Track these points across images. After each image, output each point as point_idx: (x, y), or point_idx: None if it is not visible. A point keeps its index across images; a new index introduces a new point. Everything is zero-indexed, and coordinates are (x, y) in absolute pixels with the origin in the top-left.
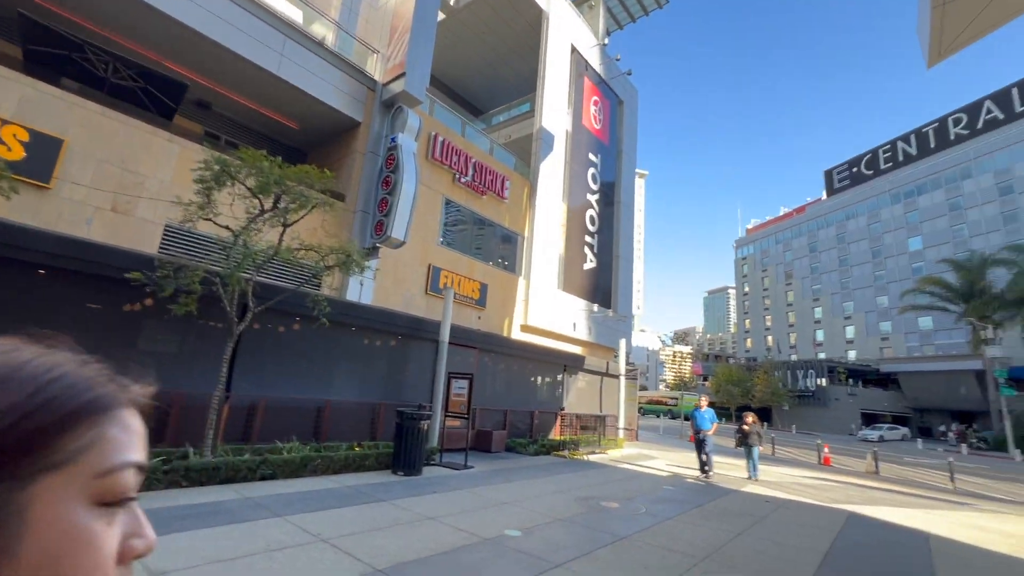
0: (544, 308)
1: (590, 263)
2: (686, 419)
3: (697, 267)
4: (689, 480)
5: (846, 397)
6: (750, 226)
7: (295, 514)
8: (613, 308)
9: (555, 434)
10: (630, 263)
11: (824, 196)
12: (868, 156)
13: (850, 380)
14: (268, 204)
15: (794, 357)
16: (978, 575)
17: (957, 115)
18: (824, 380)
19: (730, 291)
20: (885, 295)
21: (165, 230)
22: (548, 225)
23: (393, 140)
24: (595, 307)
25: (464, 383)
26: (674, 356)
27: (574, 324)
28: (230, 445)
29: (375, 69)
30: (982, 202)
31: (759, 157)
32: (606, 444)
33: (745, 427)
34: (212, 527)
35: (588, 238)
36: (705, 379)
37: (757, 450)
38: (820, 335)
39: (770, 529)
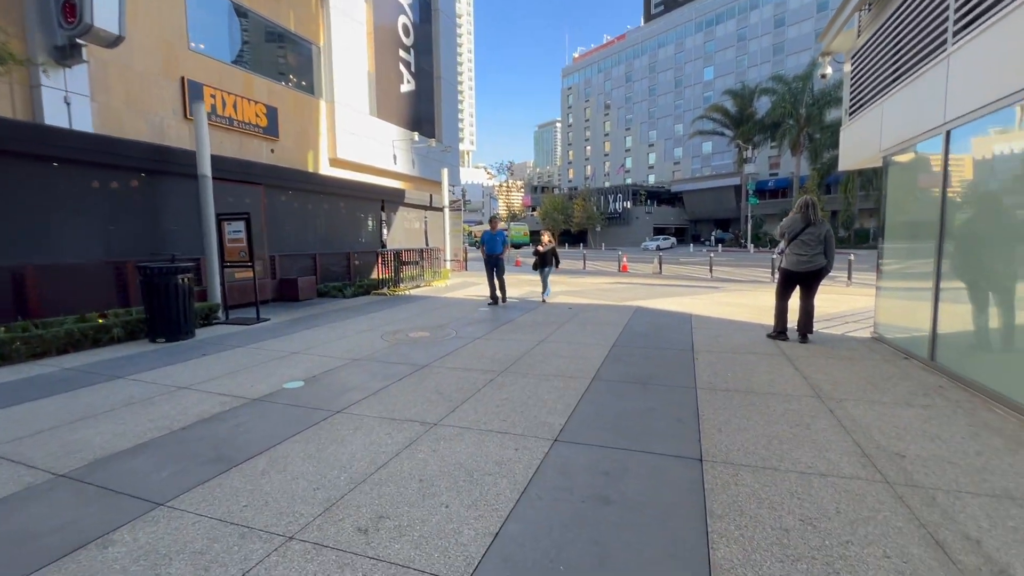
0: (356, 138)
1: (408, 85)
2: (473, 244)
3: (529, 100)
4: (503, 302)
5: (644, 215)
6: (576, 55)
7: None
8: (437, 137)
9: (377, 274)
10: (454, 87)
11: (643, 23)
12: None
13: (648, 201)
14: None
15: (607, 184)
16: (720, 337)
17: None
18: (629, 203)
19: (558, 124)
20: (681, 123)
21: None
22: (350, 33)
23: None
24: (416, 136)
25: (240, 225)
26: (501, 187)
27: (394, 156)
28: None
29: None
30: (761, 34)
31: None
32: (430, 277)
33: (540, 248)
34: None
35: (404, 54)
36: (534, 209)
37: (550, 270)
38: (629, 162)
39: (568, 332)
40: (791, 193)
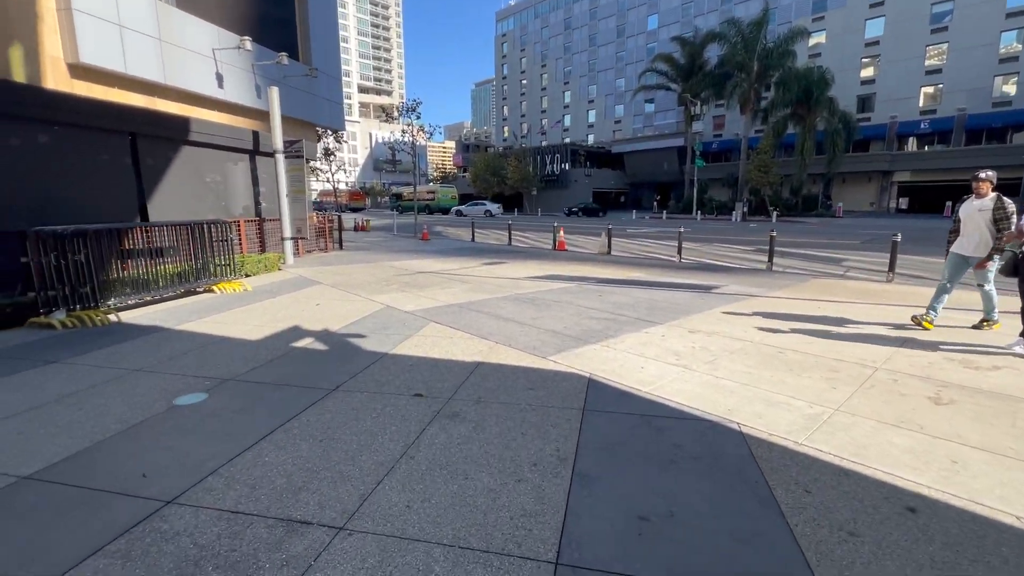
0: (123, 34)
1: None
2: (395, 208)
3: (465, 58)
4: (310, 344)
5: (583, 178)
6: (513, 1)
7: None
8: (303, 58)
9: (118, 271)
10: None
11: None
12: None
13: (588, 163)
14: None
15: (544, 142)
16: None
17: None
18: (567, 164)
19: (495, 83)
20: (623, 77)
21: None
22: None
23: None
24: (248, 42)
25: None
26: (431, 145)
27: (218, 75)
28: None
29: None
30: None
31: None
32: (224, 273)
33: None
34: None
35: None
36: (465, 170)
37: None
38: (568, 120)
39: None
40: (736, 156)
